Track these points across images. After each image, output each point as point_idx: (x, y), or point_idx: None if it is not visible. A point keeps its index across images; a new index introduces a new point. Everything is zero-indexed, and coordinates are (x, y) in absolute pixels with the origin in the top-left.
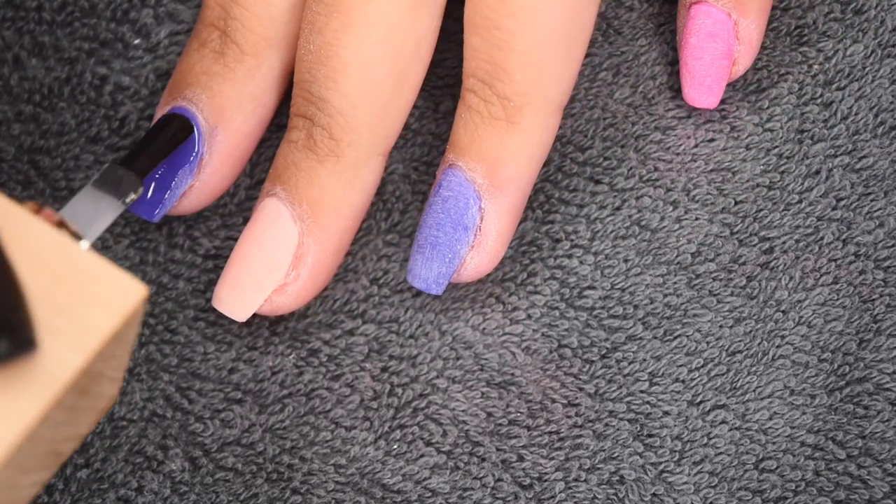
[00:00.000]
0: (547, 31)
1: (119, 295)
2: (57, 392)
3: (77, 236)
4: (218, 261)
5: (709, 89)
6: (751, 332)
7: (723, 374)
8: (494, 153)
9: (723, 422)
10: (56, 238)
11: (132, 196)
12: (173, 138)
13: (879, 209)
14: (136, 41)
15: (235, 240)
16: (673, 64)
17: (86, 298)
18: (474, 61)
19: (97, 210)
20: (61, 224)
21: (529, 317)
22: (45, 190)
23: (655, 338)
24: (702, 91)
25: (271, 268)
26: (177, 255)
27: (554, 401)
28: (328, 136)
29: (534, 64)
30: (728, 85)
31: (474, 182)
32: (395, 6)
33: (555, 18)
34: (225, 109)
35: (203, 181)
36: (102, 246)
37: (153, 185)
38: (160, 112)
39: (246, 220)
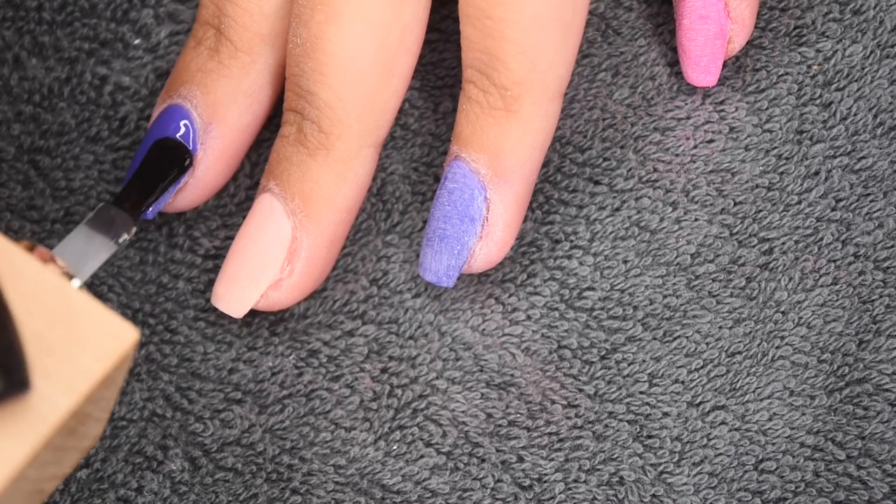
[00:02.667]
0: (538, 18)
1: (111, 338)
2: (46, 434)
3: (69, 275)
4: (218, 261)
5: (705, 69)
6: (750, 333)
7: (722, 375)
8: (496, 143)
9: (722, 423)
10: (49, 278)
11: (125, 237)
12: (166, 174)
13: (878, 210)
14: (136, 41)
15: None
16: (672, 65)
17: (78, 340)
18: (470, 52)
19: (90, 249)
20: (54, 262)
21: (529, 318)
22: (45, 190)
23: (655, 339)
24: (699, 71)
25: (266, 263)
26: (177, 255)
27: (553, 402)
28: (318, 130)
29: (528, 51)
30: (727, 86)
31: (478, 173)
32: None
33: (546, 4)
34: (219, 105)
35: (198, 178)
36: None
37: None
38: (157, 110)
39: None
